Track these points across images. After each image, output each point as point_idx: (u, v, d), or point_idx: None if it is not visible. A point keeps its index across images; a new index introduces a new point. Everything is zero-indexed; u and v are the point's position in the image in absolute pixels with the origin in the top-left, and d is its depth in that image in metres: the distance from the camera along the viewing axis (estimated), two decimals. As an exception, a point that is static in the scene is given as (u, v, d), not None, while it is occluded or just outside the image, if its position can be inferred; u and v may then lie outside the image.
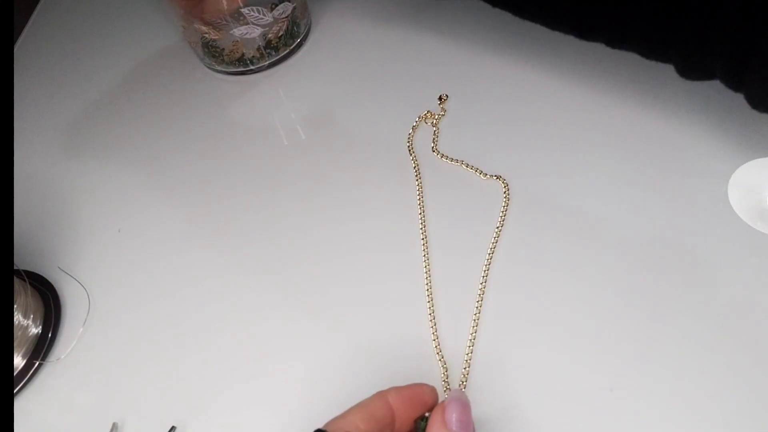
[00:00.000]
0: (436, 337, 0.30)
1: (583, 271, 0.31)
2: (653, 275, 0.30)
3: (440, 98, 0.41)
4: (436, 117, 0.40)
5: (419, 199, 0.36)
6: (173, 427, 0.30)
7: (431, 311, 0.31)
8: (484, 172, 0.36)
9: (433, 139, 0.39)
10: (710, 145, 0.34)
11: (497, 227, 0.34)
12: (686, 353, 0.28)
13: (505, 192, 0.35)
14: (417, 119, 0.40)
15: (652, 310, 0.29)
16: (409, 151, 0.39)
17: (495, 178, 0.36)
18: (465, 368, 0.29)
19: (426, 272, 0.33)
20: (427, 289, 0.32)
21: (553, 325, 0.30)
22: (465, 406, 0.22)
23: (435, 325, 0.31)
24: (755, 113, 0.35)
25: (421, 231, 0.34)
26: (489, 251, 0.33)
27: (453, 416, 0.22)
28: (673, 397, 0.27)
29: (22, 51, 0.55)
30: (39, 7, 0.59)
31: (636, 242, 0.32)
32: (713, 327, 0.28)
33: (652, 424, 0.26)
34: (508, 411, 0.27)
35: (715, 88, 0.37)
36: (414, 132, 0.39)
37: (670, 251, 0.31)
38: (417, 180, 0.37)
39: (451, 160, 0.37)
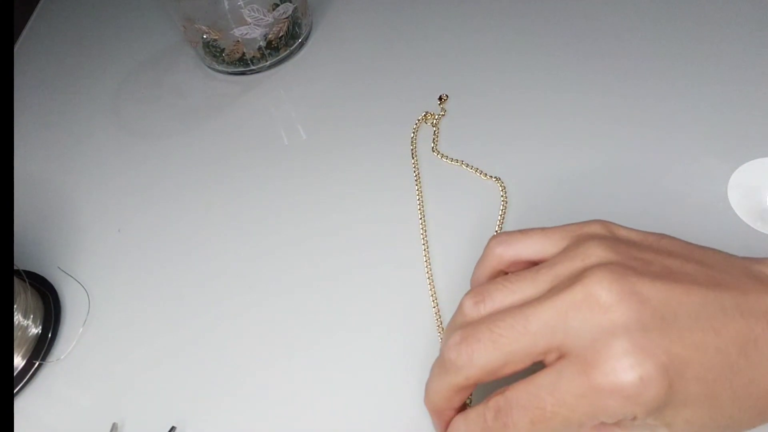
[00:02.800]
0: (440, 337, 0.30)
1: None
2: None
3: (440, 98, 0.41)
4: (436, 117, 0.40)
5: (419, 199, 0.36)
6: (173, 427, 0.30)
7: (433, 311, 0.31)
8: (484, 172, 0.36)
9: (433, 139, 0.39)
10: (710, 145, 0.34)
11: (497, 228, 0.34)
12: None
13: (503, 194, 0.35)
14: (417, 119, 0.40)
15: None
16: (410, 151, 0.39)
17: (494, 179, 0.36)
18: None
19: (427, 272, 0.33)
20: (429, 289, 0.32)
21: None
22: None
23: (439, 324, 0.31)
24: (755, 113, 0.35)
25: (421, 231, 0.34)
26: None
27: None
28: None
29: (22, 51, 0.55)
30: (39, 7, 0.59)
31: (636, 242, 0.31)
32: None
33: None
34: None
35: (715, 86, 0.37)
36: (414, 132, 0.39)
37: (670, 251, 0.31)
38: (417, 180, 0.37)
39: (451, 160, 0.37)
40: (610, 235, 0.23)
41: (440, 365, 0.23)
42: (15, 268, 0.37)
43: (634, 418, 0.19)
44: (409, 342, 0.30)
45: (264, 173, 0.40)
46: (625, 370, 0.19)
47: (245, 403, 0.30)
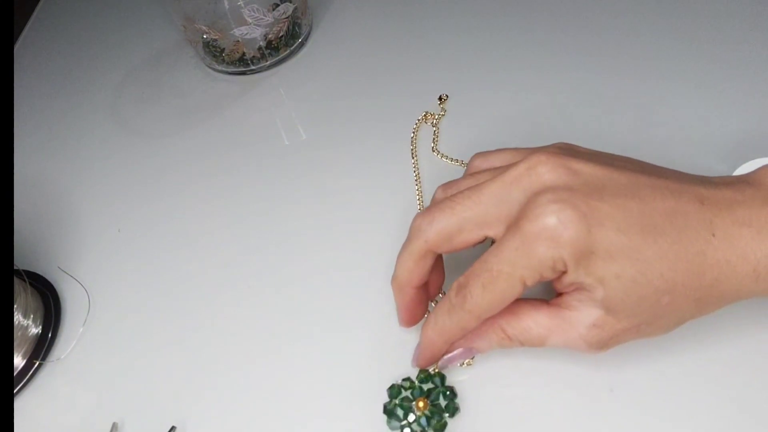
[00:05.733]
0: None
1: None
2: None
3: (440, 98, 0.41)
4: (436, 117, 0.40)
5: (419, 199, 0.36)
6: (173, 427, 0.30)
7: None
8: (484, 172, 0.36)
9: (433, 139, 0.39)
10: (710, 145, 0.34)
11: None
12: (685, 351, 0.28)
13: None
14: (417, 119, 0.40)
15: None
16: (410, 151, 0.39)
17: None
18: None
19: (426, 272, 0.33)
20: (428, 289, 0.32)
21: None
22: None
23: (435, 325, 0.31)
24: (755, 113, 0.35)
25: (421, 231, 0.34)
26: (489, 251, 0.33)
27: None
28: (674, 397, 0.27)
29: (22, 51, 0.55)
30: (39, 7, 0.59)
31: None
32: (712, 329, 0.28)
33: (652, 424, 0.26)
34: (505, 412, 0.27)
35: (715, 86, 0.37)
36: (414, 132, 0.39)
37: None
38: (417, 180, 0.37)
39: (451, 160, 0.37)
40: (569, 147, 0.25)
41: (406, 239, 0.26)
42: (15, 268, 0.37)
43: (566, 270, 0.22)
44: (409, 341, 0.30)
45: (264, 173, 0.40)
46: (546, 214, 0.21)
47: (245, 403, 0.30)
